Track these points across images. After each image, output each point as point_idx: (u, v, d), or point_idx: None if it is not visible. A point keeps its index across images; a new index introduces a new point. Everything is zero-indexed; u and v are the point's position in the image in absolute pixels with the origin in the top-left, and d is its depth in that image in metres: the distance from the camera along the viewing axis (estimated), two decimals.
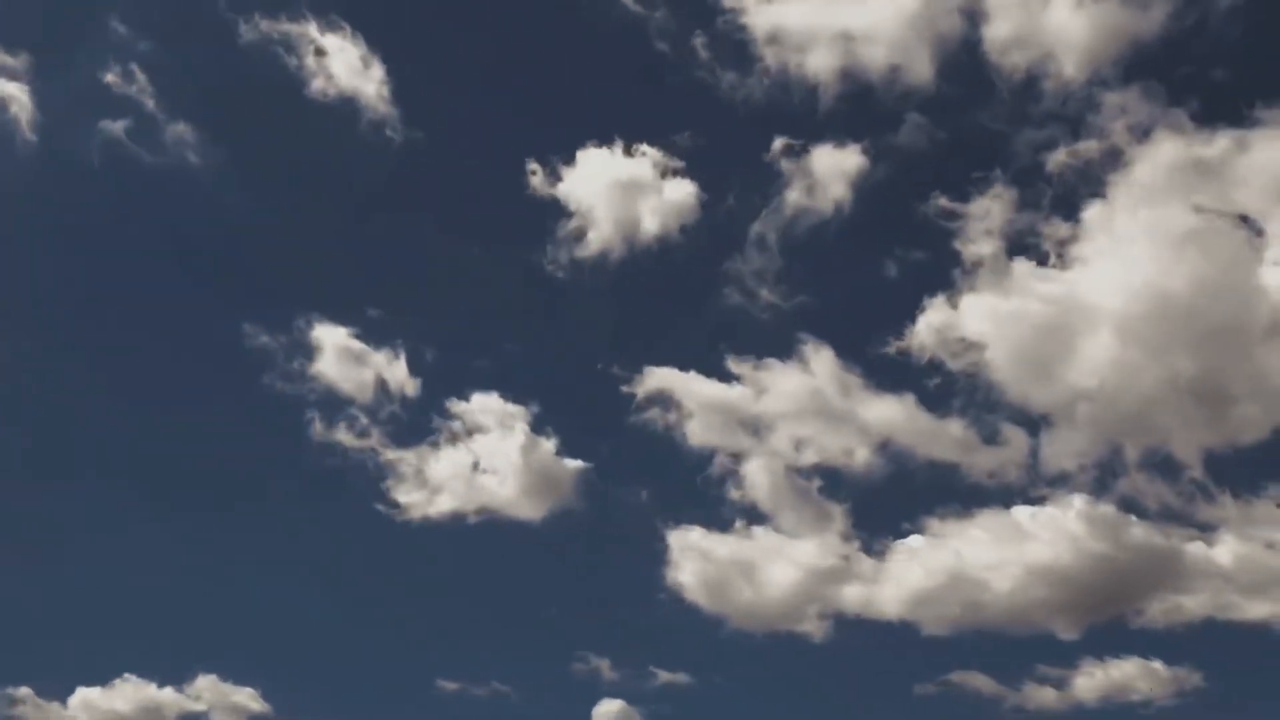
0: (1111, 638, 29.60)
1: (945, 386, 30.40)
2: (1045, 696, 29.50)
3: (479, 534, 31.38)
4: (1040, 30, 29.51)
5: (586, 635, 31.21)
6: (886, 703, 30.40)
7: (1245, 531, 29.03)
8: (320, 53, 31.69)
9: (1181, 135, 29.09)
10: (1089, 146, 29.86)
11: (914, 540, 30.61)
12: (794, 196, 31.17)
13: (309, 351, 31.82)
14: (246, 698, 29.77)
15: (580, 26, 32.45)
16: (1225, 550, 29.18)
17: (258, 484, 32.53)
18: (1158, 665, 29.26)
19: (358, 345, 31.92)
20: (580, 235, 31.78)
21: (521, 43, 33.11)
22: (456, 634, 31.97)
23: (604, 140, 31.66)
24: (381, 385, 31.72)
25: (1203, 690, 29.05)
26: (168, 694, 29.61)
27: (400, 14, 33.37)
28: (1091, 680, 29.45)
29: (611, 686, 30.24)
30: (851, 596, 30.35)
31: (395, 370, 31.84)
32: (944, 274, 30.52)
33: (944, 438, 30.49)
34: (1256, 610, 28.71)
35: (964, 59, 30.27)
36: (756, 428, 31.12)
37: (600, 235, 31.63)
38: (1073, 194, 29.94)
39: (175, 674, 29.82)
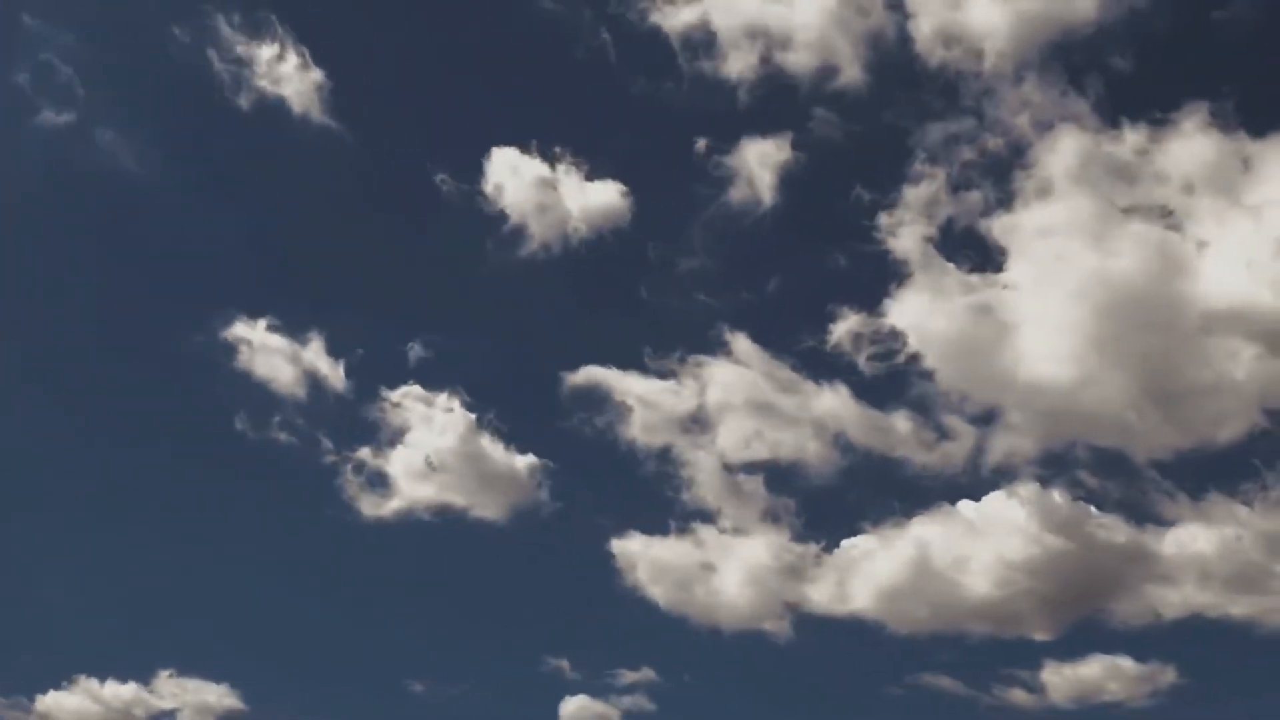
0: (1085, 636, 29.24)
1: (885, 380, 30.24)
2: (1018, 697, 29.18)
3: (435, 531, 31.77)
4: (964, 24, 29.36)
5: (552, 634, 31.53)
6: (856, 699, 30.50)
7: (1205, 527, 28.56)
8: (242, 61, 32.20)
9: (1098, 131, 28.82)
10: (1012, 140, 29.62)
11: (867, 538, 30.32)
12: (721, 194, 31.18)
13: (231, 351, 32.20)
14: (217, 695, 30.61)
15: (503, 27, 32.92)
16: (1190, 545, 28.62)
17: (208, 484, 32.95)
18: (1130, 663, 28.82)
19: (285, 343, 32.37)
20: (511, 236, 32.11)
21: (447, 42, 33.31)
22: (422, 633, 32.46)
23: (521, 142, 31.93)
24: (316, 383, 32.17)
25: (1179, 687, 28.68)
26: (139, 693, 30.53)
27: (325, 14, 33.54)
28: (1065, 680, 29.07)
29: (575, 685, 30.52)
30: (809, 594, 30.23)
31: (325, 366, 32.24)
32: (877, 269, 30.27)
33: (891, 432, 30.29)
34: (1230, 605, 28.17)
35: (890, 53, 30.13)
36: (703, 425, 31.21)
37: (527, 236, 31.93)
38: (1002, 189, 29.63)
39: (143, 673, 30.74)
